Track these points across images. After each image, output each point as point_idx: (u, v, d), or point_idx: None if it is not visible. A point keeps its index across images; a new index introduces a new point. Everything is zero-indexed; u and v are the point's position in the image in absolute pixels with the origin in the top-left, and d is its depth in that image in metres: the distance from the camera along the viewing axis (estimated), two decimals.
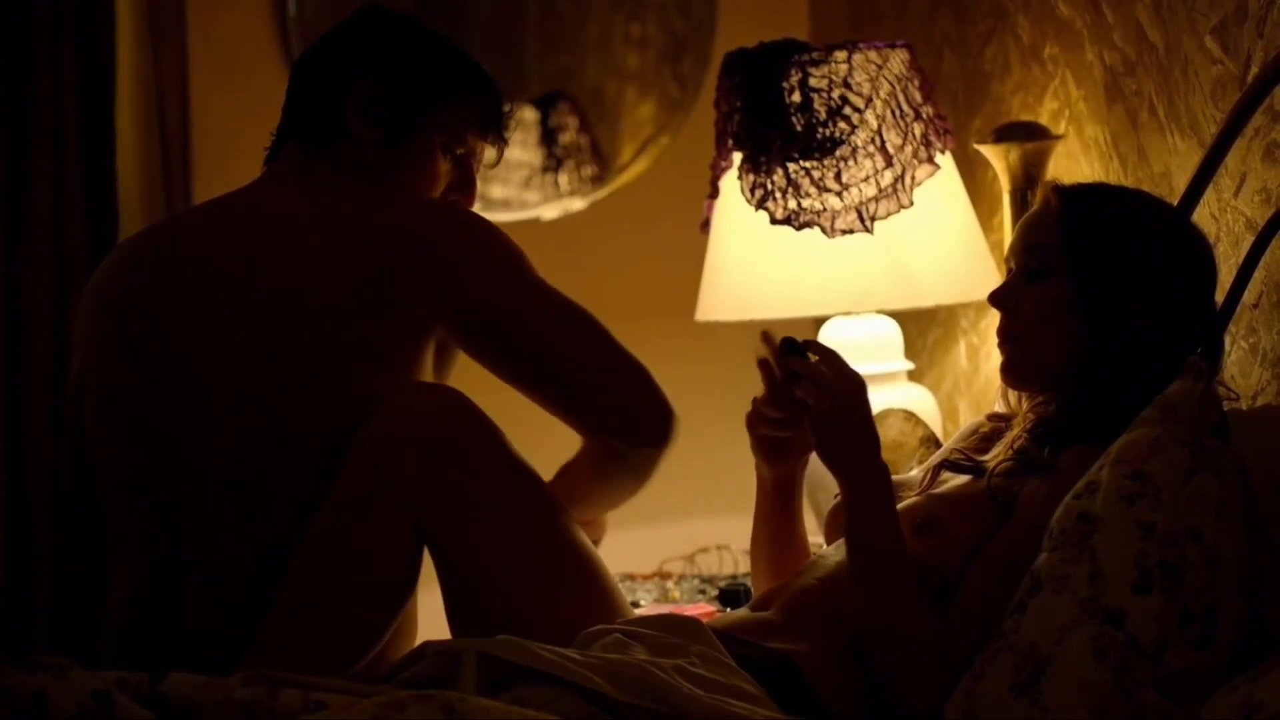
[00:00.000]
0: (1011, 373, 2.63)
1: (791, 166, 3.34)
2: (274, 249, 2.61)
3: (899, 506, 2.52)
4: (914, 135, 3.37)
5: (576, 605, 2.53)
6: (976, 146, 3.49)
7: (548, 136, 4.51)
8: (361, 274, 2.57)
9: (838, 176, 3.33)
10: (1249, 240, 2.90)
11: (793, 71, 3.36)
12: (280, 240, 2.62)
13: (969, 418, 3.63)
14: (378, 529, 2.48)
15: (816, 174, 3.34)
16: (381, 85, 2.74)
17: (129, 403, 2.62)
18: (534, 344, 2.67)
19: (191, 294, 2.61)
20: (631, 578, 3.70)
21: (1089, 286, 2.53)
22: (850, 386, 2.49)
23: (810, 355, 2.54)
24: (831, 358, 2.52)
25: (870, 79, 3.36)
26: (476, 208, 2.85)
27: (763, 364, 2.64)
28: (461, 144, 2.81)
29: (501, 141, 2.87)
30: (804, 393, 2.50)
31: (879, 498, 2.47)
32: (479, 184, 2.87)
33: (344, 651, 2.48)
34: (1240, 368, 2.96)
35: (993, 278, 3.39)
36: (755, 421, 2.69)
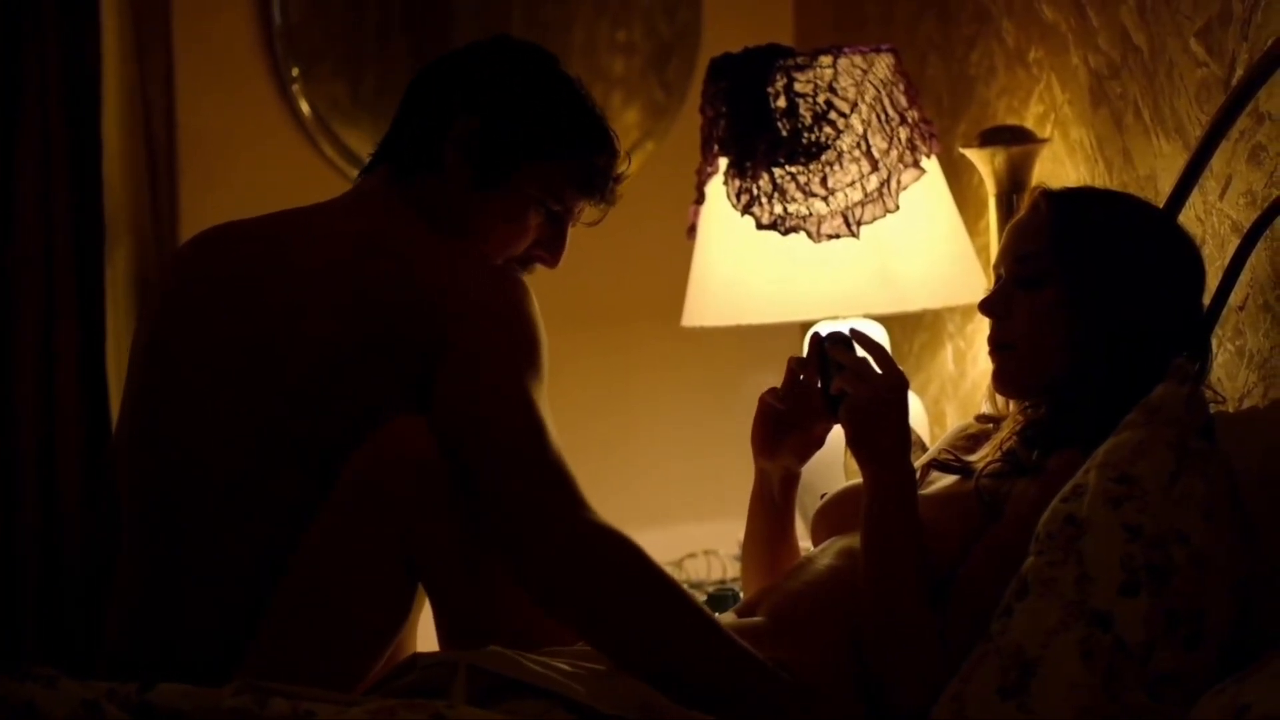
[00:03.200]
0: (1004, 381, 2.63)
1: (777, 171, 3.35)
2: (301, 266, 2.56)
3: None
4: (899, 139, 3.37)
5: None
6: (962, 150, 3.50)
7: None
8: (368, 312, 2.50)
9: (823, 181, 3.33)
10: (1234, 243, 2.91)
11: (778, 76, 3.36)
12: (306, 261, 2.56)
13: (956, 422, 3.64)
14: (371, 545, 2.46)
15: (802, 179, 3.34)
16: (485, 123, 2.63)
17: (144, 408, 2.62)
18: (475, 446, 2.45)
19: (204, 303, 2.59)
20: None
21: (1081, 291, 2.53)
22: (893, 381, 2.50)
23: (857, 350, 2.54)
24: (879, 352, 2.53)
25: (855, 83, 3.36)
26: None
27: (792, 359, 2.65)
28: (559, 200, 2.69)
29: (606, 203, 2.75)
30: (844, 382, 2.51)
31: (907, 494, 2.47)
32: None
33: (342, 661, 2.47)
34: (1227, 370, 2.96)
35: (979, 282, 3.40)
36: (761, 412, 2.70)
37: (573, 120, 2.69)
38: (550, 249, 2.74)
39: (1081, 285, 2.54)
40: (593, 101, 2.72)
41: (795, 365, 2.67)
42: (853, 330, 2.58)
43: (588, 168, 2.69)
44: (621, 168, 2.73)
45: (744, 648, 2.41)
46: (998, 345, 2.62)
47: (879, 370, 2.52)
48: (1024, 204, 2.68)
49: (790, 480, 2.75)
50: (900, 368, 2.54)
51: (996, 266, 2.66)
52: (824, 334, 2.59)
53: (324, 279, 2.54)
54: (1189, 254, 2.61)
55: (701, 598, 3.51)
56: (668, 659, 2.39)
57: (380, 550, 2.46)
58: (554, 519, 2.40)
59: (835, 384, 2.54)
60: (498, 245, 2.69)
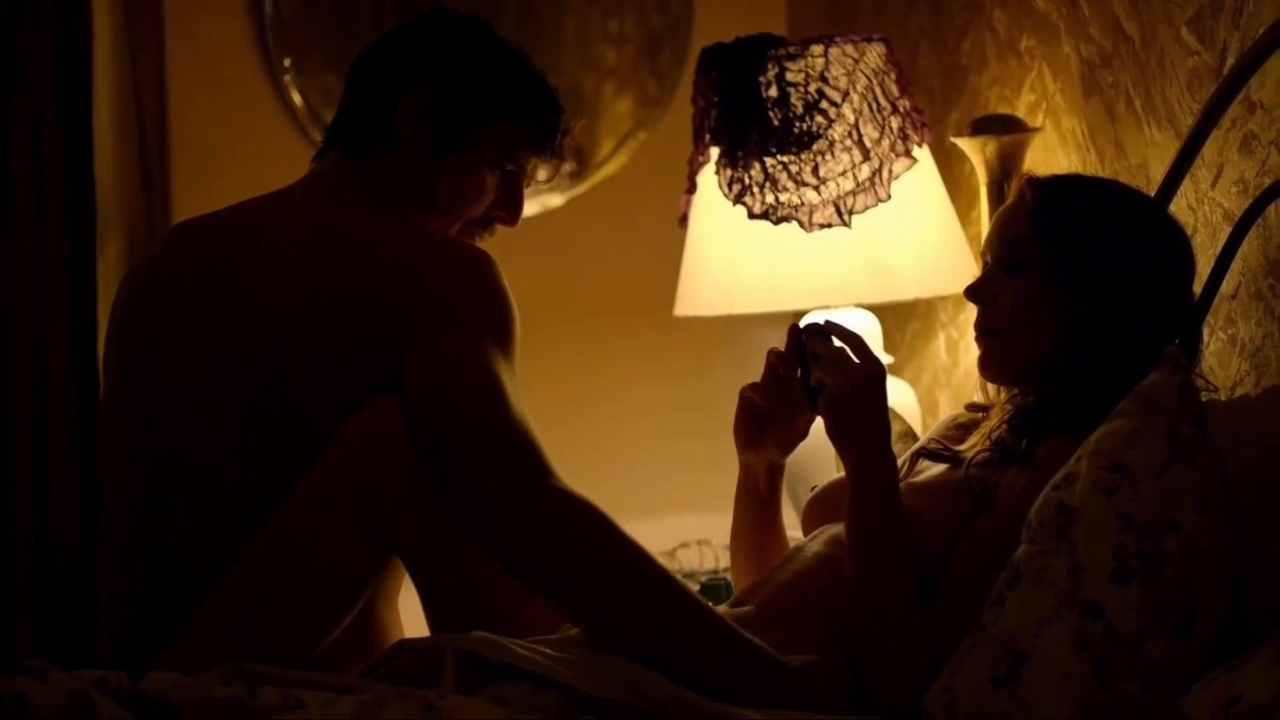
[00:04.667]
0: (989, 367, 2.64)
1: (769, 161, 3.35)
2: (274, 258, 2.59)
3: None
4: (891, 129, 3.37)
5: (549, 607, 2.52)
6: (954, 140, 3.50)
7: None
8: (341, 304, 2.54)
9: (815, 171, 3.33)
10: (1226, 231, 2.91)
11: (769, 66, 3.36)
12: (279, 254, 2.59)
13: (949, 411, 3.64)
14: (332, 527, 2.47)
15: (794, 168, 3.34)
16: (436, 94, 2.67)
17: (131, 401, 2.63)
18: (439, 418, 2.48)
19: (184, 299, 2.62)
20: None
21: (1064, 278, 2.54)
22: (871, 370, 2.50)
23: (834, 340, 2.54)
24: (856, 341, 2.53)
25: (847, 73, 3.36)
26: None
27: (771, 351, 2.65)
28: (513, 160, 2.74)
29: (557, 159, 2.79)
30: (823, 373, 2.50)
31: (888, 483, 2.47)
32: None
33: (282, 641, 2.47)
34: (1219, 359, 2.97)
35: (971, 271, 3.40)
36: (742, 407, 2.70)
37: (520, 82, 2.74)
38: (509, 208, 2.79)
39: (1063, 270, 2.54)
40: (533, 63, 2.78)
41: (774, 359, 2.67)
42: (828, 321, 2.58)
43: (538, 126, 2.74)
44: (568, 124, 2.78)
45: (711, 611, 2.44)
46: (983, 331, 2.62)
47: (856, 360, 2.51)
48: (1011, 191, 2.68)
49: (775, 472, 2.75)
50: (878, 356, 2.54)
51: (984, 254, 2.67)
52: (802, 326, 2.59)
53: (297, 270, 2.57)
54: (1176, 241, 2.61)
55: (694, 588, 3.51)
56: (633, 620, 2.42)
57: (341, 535, 2.48)
58: (520, 483, 2.43)
59: (814, 375, 2.54)
60: (458, 209, 2.74)
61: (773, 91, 3.36)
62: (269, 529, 2.49)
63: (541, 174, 2.81)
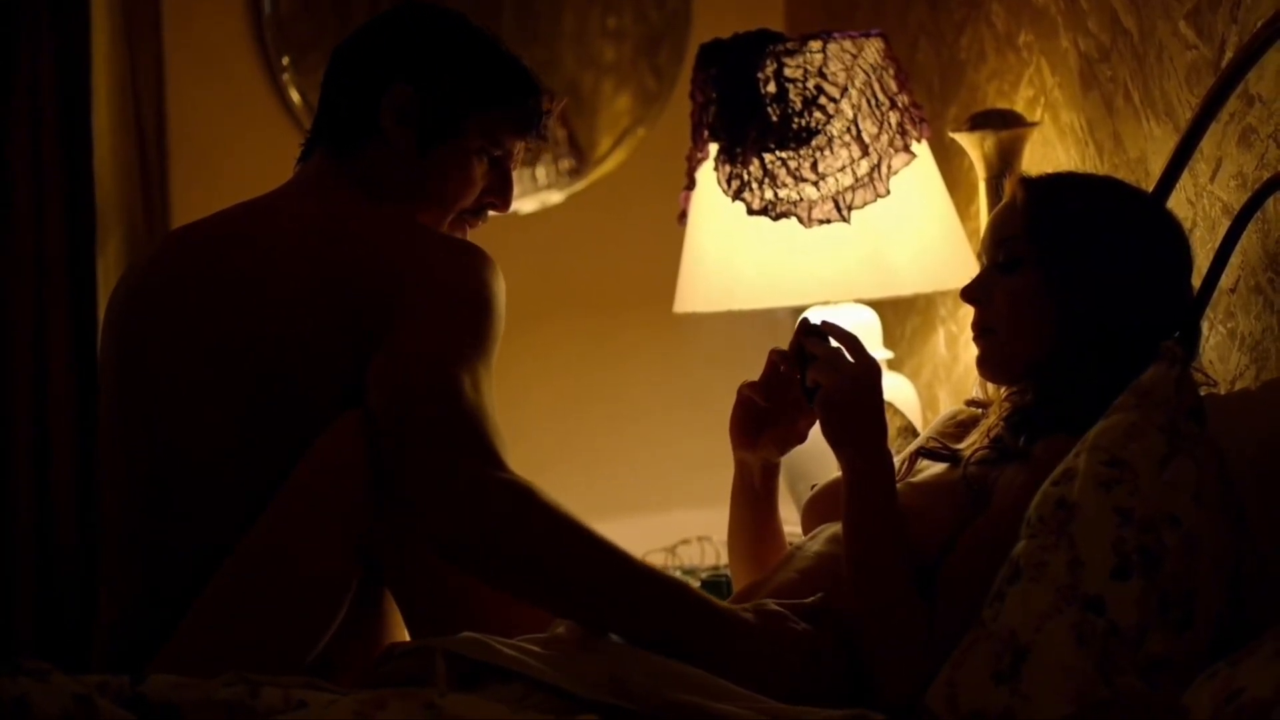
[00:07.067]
0: (986, 365, 2.64)
1: (767, 157, 3.35)
2: (271, 261, 2.59)
3: None
4: (890, 124, 3.37)
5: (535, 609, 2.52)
6: (952, 135, 3.50)
7: None
8: (340, 303, 2.54)
9: (814, 166, 3.33)
10: (1225, 225, 2.90)
11: (768, 62, 3.36)
12: (278, 254, 2.59)
13: (948, 406, 3.64)
14: (313, 531, 2.48)
15: (793, 164, 3.34)
16: (418, 89, 2.67)
17: (131, 403, 2.64)
18: (387, 408, 2.46)
19: (181, 303, 2.62)
20: None
21: (1061, 278, 2.53)
22: (865, 370, 2.50)
23: (830, 339, 2.54)
24: (851, 341, 2.53)
25: (845, 68, 3.36)
26: None
27: (774, 350, 2.65)
28: (499, 147, 2.74)
29: (541, 140, 2.80)
30: (817, 373, 2.50)
31: (884, 482, 2.47)
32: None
33: (278, 640, 2.48)
34: (1218, 353, 2.96)
35: (970, 266, 3.40)
36: (740, 405, 2.70)
37: (499, 69, 2.73)
38: (499, 194, 2.79)
39: (1060, 269, 2.54)
40: (508, 48, 2.77)
41: (776, 358, 2.66)
42: (825, 321, 2.57)
43: (521, 110, 2.74)
44: (550, 105, 2.78)
45: (652, 575, 2.43)
46: (981, 330, 2.63)
47: (851, 360, 2.51)
48: (1006, 191, 2.68)
49: (771, 470, 2.75)
50: (874, 357, 2.54)
51: (980, 255, 2.67)
52: (801, 325, 2.59)
53: (296, 269, 2.58)
54: (1173, 238, 2.60)
55: (695, 584, 3.51)
56: (577, 602, 2.42)
57: (325, 538, 2.48)
58: (455, 469, 2.40)
59: (810, 376, 2.54)
60: (450, 201, 2.74)
61: (771, 87, 3.36)
62: (255, 529, 2.48)
63: (527, 156, 2.83)
